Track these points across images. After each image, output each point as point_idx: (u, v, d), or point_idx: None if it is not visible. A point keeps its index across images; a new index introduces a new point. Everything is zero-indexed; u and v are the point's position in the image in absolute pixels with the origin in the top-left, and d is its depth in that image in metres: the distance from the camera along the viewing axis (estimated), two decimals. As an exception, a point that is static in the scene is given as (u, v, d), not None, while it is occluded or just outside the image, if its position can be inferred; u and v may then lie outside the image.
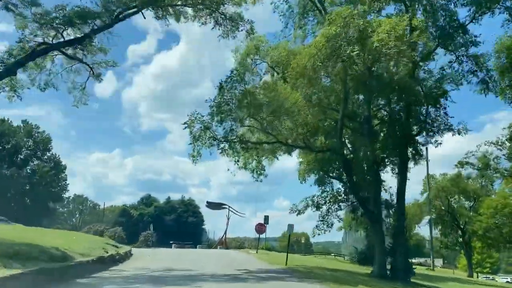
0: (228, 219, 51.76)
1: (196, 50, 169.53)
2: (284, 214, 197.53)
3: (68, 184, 68.41)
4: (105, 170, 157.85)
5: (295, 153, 37.99)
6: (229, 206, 52.34)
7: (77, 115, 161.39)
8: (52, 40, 15.31)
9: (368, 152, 19.82)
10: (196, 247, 45.75)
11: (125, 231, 46.72)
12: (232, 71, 17.49)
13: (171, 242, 46.65)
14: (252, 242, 59.41)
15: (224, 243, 50.23)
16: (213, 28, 16.95)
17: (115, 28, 15.86)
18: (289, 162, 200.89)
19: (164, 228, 48.58)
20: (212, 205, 51.44)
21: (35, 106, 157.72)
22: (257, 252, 28.71)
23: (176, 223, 50.22)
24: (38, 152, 64.40)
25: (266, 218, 37.76)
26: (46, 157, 65.73)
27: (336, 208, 25.32)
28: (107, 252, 16.96)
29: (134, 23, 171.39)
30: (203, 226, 55.40)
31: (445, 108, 20.17)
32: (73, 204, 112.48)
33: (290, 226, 20.01)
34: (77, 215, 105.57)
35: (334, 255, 73.14)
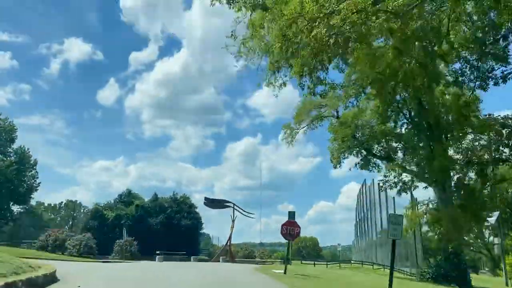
0: (233, 221, 39.93)
1: (198, 56, 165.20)
2: None
3: (40, 183, 56.55)
4: (109, 178, 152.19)
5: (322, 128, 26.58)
6: (234, 204, 40.51)
7: (80, 123, 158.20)
8: None
9: None
10: (191, 259, 33.83)
11: (97, 239, 34.93)
12: None
13: (157, 252, 34.87)
14: (261, 249, 47.40)
15: (229, 254, 38.33)
16: None
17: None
18: (293, 166, 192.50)
19: (149, 234, 36.71)
20: (212, 203, 39.56)
21: (38, 115, 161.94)
22: (285, 273, 16.65)
23: (165, 228, 38.35)
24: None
25: (292, 215, 25.92)
26: (10, 149, 54.08)
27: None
28: None
29: (135, 30, 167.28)
30: (201, 231, 43.64)
31: None
32: (65, 210, 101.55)
33: (397, 220, 7.83)
34: (70, 222, 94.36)
35: (362, 263, 60.79)
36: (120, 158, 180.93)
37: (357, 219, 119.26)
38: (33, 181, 54.91)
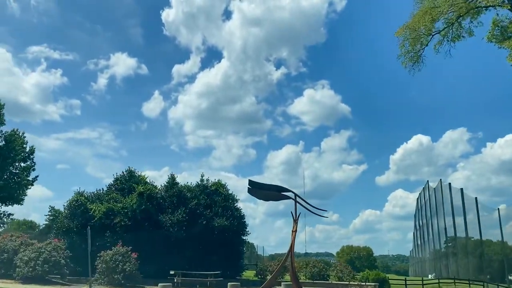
0: (296, 221, 24.54)
1: (238, 66, 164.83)
2: (334, 228, 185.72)
3: (37, 177, 43.54)
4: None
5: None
6: (295, 195, 25.04)
7: (127, 136, 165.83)
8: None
9: None
10: (227, 286, 18.68)
11: (75, 249, 20.91)
12: None
13: (171, 272, 20.33)
14: (338, 264, 31.19)
15: (292, 275, 23.18)
16: None
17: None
18: (337, 174, 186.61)
19: (159, 241, 22.04)
20: (261, 189, 24.29)
21: (87, 128, 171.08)
22: None
23: (186, 230, 23.55)
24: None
25: None
26: (-3, 133, 41.47)
27: None
28: None
29: (177, 43, 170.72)
30: (245, 237, 28.27)
31: None
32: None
33: None
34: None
35: (469, 283, 43.40)
36: (165, 168, 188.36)
37: (417, 227, 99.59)
38: (25, 174, 42.01)
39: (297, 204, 25.37)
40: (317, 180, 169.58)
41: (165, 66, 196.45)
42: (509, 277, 62.24)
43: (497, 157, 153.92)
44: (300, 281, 25.92)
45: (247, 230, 27.43)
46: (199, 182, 27.45)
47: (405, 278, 36.53)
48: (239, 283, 16.36)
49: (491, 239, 66.11)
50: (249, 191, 24.69)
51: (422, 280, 38.54)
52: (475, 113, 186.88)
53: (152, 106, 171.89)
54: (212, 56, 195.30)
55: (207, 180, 28.18)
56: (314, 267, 27.63)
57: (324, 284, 25.64)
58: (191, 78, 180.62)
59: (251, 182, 24.88)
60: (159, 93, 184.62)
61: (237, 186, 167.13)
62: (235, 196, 27.72)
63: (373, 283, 24.32)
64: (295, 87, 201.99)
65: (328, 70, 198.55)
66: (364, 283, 24.63)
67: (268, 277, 26.13)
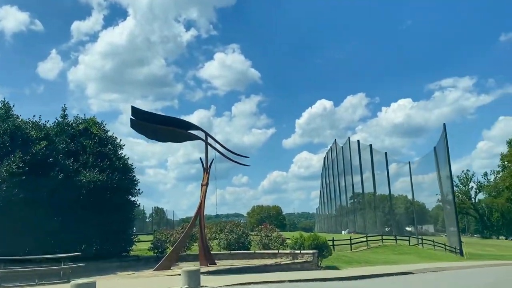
0: (207, 170, 16.90)
1: (145, 26, 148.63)
2: (244, 189, 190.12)
3: None
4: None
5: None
6: (207, 135, 17.25)
7: (21, 100, 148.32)
8: None
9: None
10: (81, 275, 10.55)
11: None
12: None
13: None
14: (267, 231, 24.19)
15: (201, 246, 15.78)
16: None
17: None
18: (247, 138, 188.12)
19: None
20: (149, 122, 16.02)
21: None
22: None
23: (28, 192, 14.61)
24: None
25: None
26: None
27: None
28: None
29: None
30: (134, 198, 20.14)
31: None
32: None
33: None
34: None
35: (396, 238, 40.75)
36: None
37: (324, 185, 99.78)
38: None
39: (211, 149, 17.55)
40: (228, 144, 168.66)
41: (62, 22, 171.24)
42: (407, 229, 63.17)
43: (390, 121, 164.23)
44: (212, 252, 18.71)
45: (137, 188, 19.10)
46: (59, 119, 18.14)
47: (333, 238, 31.59)
48: (95, 281, 8.23)
49: (393, 194, 66.76)
50: (134, 125, 16.13)
51: (350, 239, 34.28)
52: (373, 79, 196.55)
53: (49, 67, 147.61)
54: (115, 13, 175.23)
55: (76, 117, 18.99)
56: (231, 232, 20.54)
57: (245, 255, 18.89)
58: (93, 37, 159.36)
59: (135, 111, 16.21)
60: (57, 52, 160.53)
61: (147, 152, 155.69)
62: (117, 141, 19.01)
63: (311, 251, 18.00)
64: (206, 50, 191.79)
65: (238, 34, 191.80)
66: (298, 251, 18.25)
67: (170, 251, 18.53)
